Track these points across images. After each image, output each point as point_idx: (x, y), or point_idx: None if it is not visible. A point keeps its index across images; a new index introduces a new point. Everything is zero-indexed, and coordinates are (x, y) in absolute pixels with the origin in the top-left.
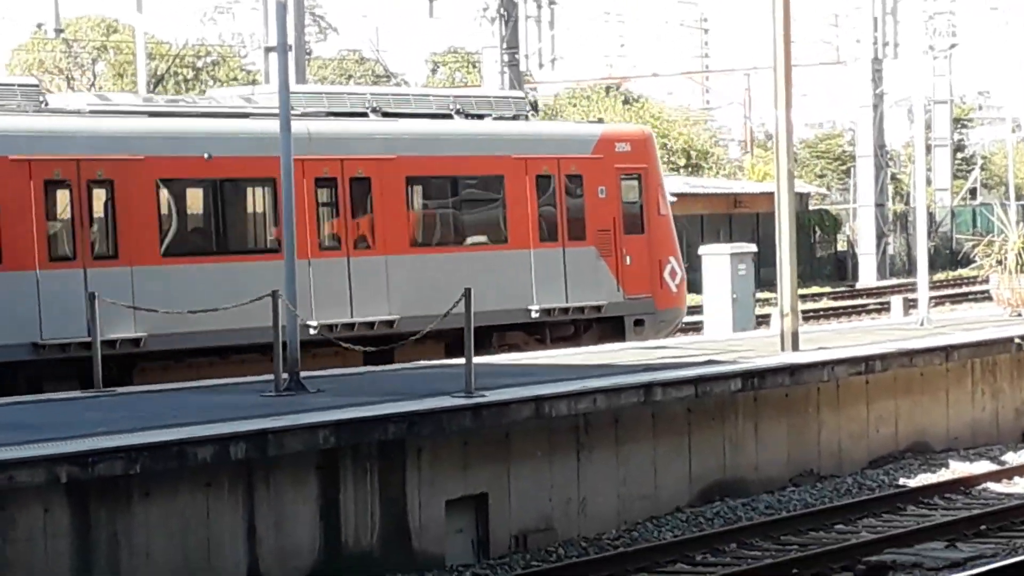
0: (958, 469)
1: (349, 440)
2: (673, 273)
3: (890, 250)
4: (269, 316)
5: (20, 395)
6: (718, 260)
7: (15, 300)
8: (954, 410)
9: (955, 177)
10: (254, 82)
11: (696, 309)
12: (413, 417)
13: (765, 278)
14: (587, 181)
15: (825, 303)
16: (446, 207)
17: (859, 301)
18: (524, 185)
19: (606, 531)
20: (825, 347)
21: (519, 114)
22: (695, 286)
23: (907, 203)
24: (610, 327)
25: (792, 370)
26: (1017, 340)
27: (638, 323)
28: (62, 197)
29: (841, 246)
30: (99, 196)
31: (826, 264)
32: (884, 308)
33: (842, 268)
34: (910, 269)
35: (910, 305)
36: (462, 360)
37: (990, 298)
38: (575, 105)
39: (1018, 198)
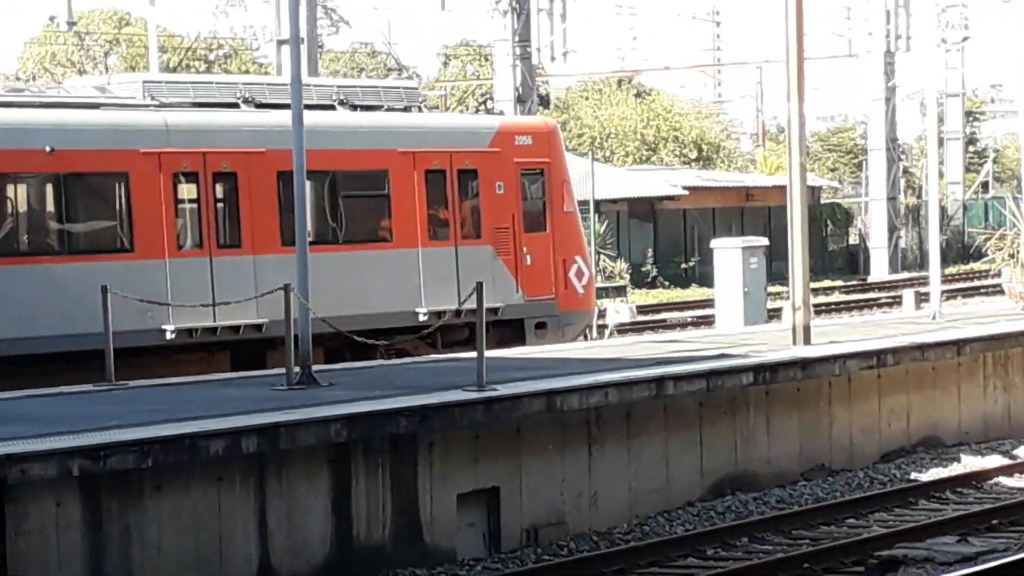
0: (970, 463)
1: (361, 434)
2: (579, 273)
3: (902, 244)
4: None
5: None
6: (730, 254)
7: None
8: (966, 404)
9: (967, 170)
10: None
11: (708, 302)
12: (425, 411)
13: (777, 272)
14: (483, 176)
15: (837, 297)
16: (323, 204)
17: (871, 295)
18: (412, 180)
19: (618, 525)
20: (837, 341)
21: (411, 105)
22: (707, 280)
23: (919, 197)
24: (509, 330)
25: (804, 364)
26: None
27: (540, 326)
28: None
29: (853, 240)
30: None
31: (838, 258)
32: (896, 302)
33: (854, 262)
34: (922, 263)
35: (922, 299)
36: (474, 354)
37: (1002, 292)
38: (587, 98)
39: None
